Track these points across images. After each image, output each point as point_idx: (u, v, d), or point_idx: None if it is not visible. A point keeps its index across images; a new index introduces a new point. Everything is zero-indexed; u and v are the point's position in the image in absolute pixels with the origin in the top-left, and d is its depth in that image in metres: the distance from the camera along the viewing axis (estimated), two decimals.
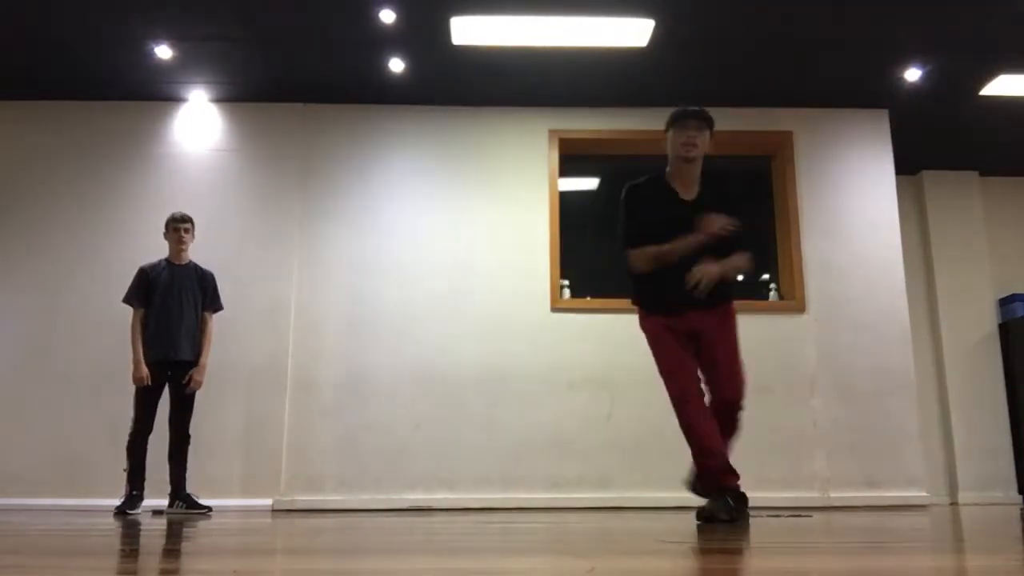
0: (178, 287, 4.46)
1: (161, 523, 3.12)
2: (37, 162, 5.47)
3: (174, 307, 4.42)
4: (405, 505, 4.98)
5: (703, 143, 3.15)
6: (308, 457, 5.09)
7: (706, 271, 3.04)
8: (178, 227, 4.53)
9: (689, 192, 3.20)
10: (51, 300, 5.26)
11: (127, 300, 4.47)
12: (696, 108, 3.15)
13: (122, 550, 1.68)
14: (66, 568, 1.29)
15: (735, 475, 3.11)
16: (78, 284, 5.27)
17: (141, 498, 4.26)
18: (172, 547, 1.80)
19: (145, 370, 4.32)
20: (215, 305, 4.60)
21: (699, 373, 3.18)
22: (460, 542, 1.88)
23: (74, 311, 5.23)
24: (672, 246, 3.06)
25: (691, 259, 3.08)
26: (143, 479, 4.28)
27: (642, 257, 3.15)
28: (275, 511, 4.72)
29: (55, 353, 5.17)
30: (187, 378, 4.38)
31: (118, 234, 5.36)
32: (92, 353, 5.15)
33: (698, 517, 2.96)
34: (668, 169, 3.24)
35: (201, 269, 4.59)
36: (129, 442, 4.28)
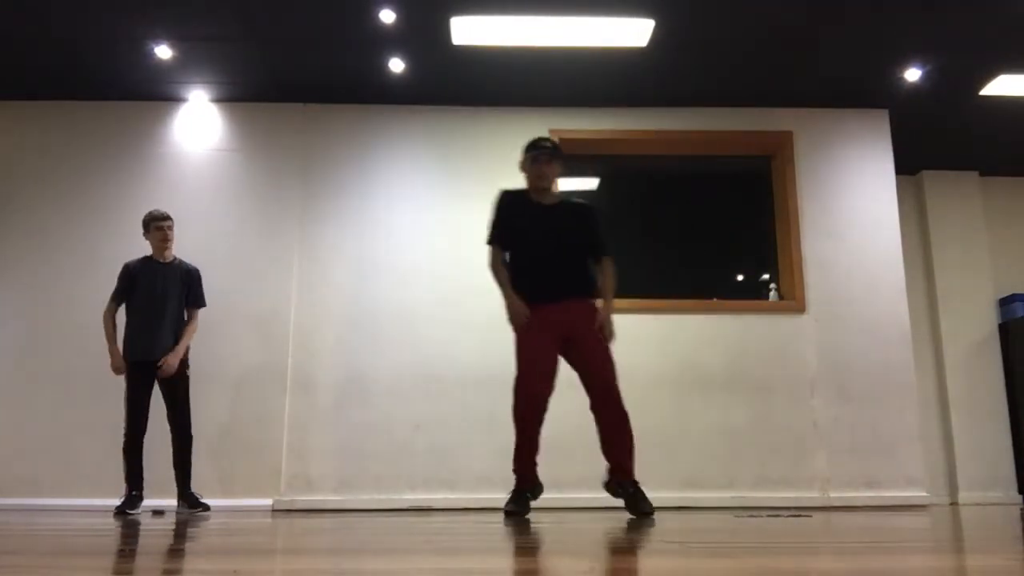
0: (163, 286, 4.44)
1: (160, 523, 3.12)
2: (37, 162, 5.47)
3: (158, 306, 4.40)
4: (405, 505, 4.98)
5: (554, 173, 3.68)
6: (308, 457, 5.09)
7: (610, 327, 3.60)
8: (161, 225, 4.51)
9: (547, 201, 3.71)
10: (51, 300, 5.26)
11: (111, 301, 4.49)
12: (547, 144, 3.66)
13: (122, 550, 1.68)
14: (66, 568, 1.29)
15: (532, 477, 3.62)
16: (78, 284, 5.27)
17: (141, 498, 4.26)
18: (172, 547, 1.80)
19: (120, 361, 4.33)
20: (199, 302, 4.58)
21: (556, 376, 3.57)
22: (460, 542, 1.88)
23: (74, 311, 5.23)
24: (509, 302, 3.57)
25: (557, 258, 3.59)
26: (141, 479, 4.28)
27: (497, 268, 3.65)
28: (275, 511, 4.72)
29: (55, 353, 5.17)
30: (160, 361, 4.36)
31: (118, 234, 5.36)
32: (92, 353, 5.14)
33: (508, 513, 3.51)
34: (528, 188, 3.74)
35: (186, 265, 4.58)
36: (123, 445, 4.29)
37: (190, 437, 4.40)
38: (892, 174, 5.65)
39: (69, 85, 5.39)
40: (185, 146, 5.53)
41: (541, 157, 3.64)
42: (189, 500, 4.33)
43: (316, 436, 5.12)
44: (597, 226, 3.70)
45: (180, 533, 2.37)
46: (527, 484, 3.58)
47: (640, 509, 3.48)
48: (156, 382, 4.40)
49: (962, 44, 4.89)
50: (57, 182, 5.44)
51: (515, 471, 3.57)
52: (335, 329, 5.29)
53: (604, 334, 3.56)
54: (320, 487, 5.04)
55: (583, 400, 5.24)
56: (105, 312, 4.45)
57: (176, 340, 4.43)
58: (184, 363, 4.46)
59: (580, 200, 3.75)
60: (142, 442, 4.30)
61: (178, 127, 5.56)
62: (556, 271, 3.59)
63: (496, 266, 3.64)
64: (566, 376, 5.26)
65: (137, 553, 1.62)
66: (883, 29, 4.77)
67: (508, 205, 3.68)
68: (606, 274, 3.70)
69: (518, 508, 3.52)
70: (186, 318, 4.53)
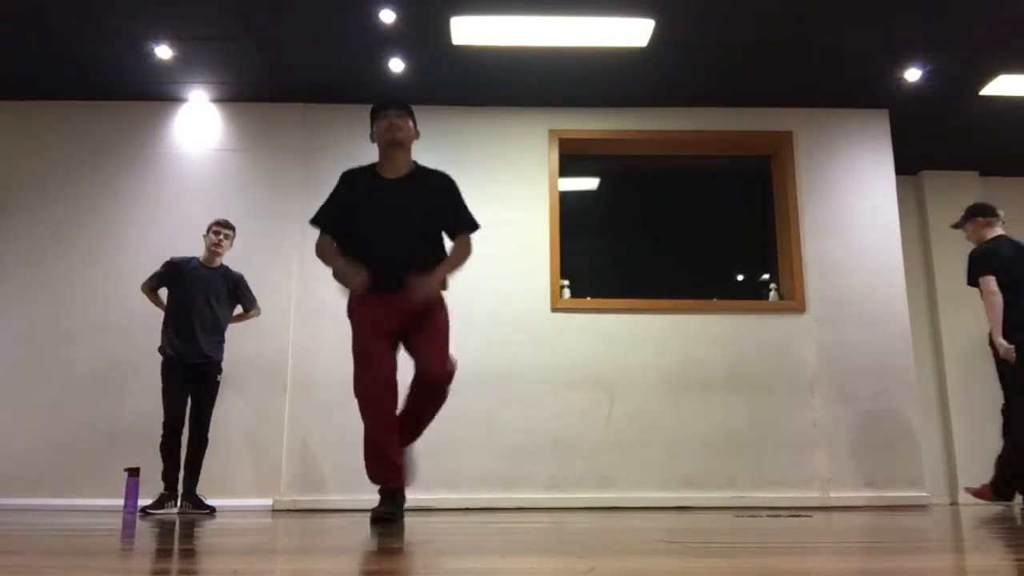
0: (205, 290, 4.50)
1: (161, 523, 3.12)
2: (37, 162, 5.47)
3: (198, 311, 4.47)
4: (405, 505, 4.97)
5: (407, 127, 3.27)
6: (308, 457, 5.09)
7: (425, 288, 3.08)
8: (219, 230, 4.61)
9: (396, 174, 3.28)
10: (51, 300, 5.25)
11: (148, 278, 4.60)
12: (393, 98, 3.31)
13: (122, 550, 1.68)
14: (66, 568, 1.29)
15: (399, 474, 3.17)
16: (78, 284, 5.27)
17: (170, 498, 4.31)
18: (172, 547, 1.80)
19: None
20: (253, 304, 4.73)
21: (398, 363, 3.14)
22: (460, 542, 1.87)
23: (74, 311, 5.23)
24: (340, 269, 3.16)
25: (397, 240, 3.16)
26: (176, 479, 4.35)
27: (322, 250, 3.26)
28: (275, 511, 4.72)
29: (55, 353, 5.17)
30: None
31: (118, 234, 5.36)
32: (92, 353, 5.15)
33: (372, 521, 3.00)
34: (378, 160, 3.34)
35: (231, 274, 4.65)
36: (160, 442, 4.35)
37: (206, 441, 4.45)
38: (892, 174, 5.65)
39: (69, 85, 5.39)
40: (185, 146, 5.53)
41: (391, 110, 3.23)
42: (194, 501, 4.35)
43: (316, 436, 5.12)
44: (457, 198, 3.30)
45: (180, 533, 2.37)
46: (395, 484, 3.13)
47: (380, 511, 3.07)
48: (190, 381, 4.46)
49: (962, 44, 4.89)
50: (57, 182, 5.44)
51: (374, 468, 3.10)
52: (335, 329, 5.28)
53: (416, 292, 3.05)
54: (320, 487, 5.04)
55: (583, 401, 5.26)
56: (141, 285, 4.59)
57: (212, 345, 4.48)
58: (217, 368, 4.54)
59: (435, 170, 3.35)
60: (179, 440, 4.37)
61: (178, 127, 5.56)
62: (396, 256, 3.15)
63: (321, 248, 3.24)
64: (566, 378, 5.27)
65: (137, 553, 1.62)
66: (883, 29, 4.77)
67: (348, 184, 3.30)
68: (458, 247, 3.25)
69: (389, 511, 3.08)
70: (240, 312, 4.71)
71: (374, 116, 3.30)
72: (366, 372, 3.07)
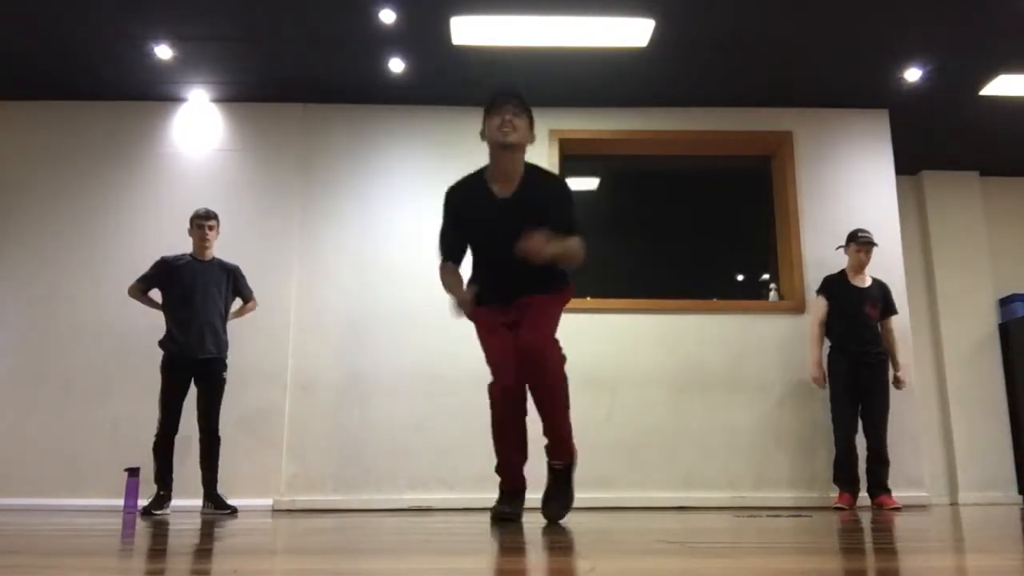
0: (203, 284, 4.46)
1: (159, 523, 3.12)
2: (37, 163, 5.47)
3: (198, 305, 4.43)
4: (405, 505, 4.98)
5: (522, 128, 2.95)
6: (308, 457, 5.09)
7: (534, 248, 2.79)
8: (201, 224, 4.55)
9: (507, 188, 2.99)
10: (52, 300, 5.25)
11: (137, 280, 4.53)
12: (514, 91, 2.98)
13: (122, 550, 1.68)
14: (66, 568, 1.29)
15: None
16: (78, 284, 5.27)
17: (168, 498, 4.29)
18: (172, 547, 1.80)
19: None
20: (250, 295, 4.68)
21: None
22: (460, 542, 1.87)
23: (75, 311, 5.23)
24: (459, 299, 3.01)
25: (513, 270, 2.93)
26: (170, 479, 4.32)
27: (445, 279, 3.10)
28: (275, 511, 4.71)
29: (56, 353, 5.17)
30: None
31: (118, 234, 5.36)
32: (93, 353, 5.15)
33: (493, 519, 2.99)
34: (488, 164, 3.04)
35: (226, 265, 4.61)
36: (153, 443, 4.32)
37: (218, 438, 4.43)
38: (892, 174, 5.65)
39: (69, 85, 5.39)
40: (185, 146, 5.53)
41: (507, 105, 2.91)
42: (216, 501, 4.34)
43: (316, 436, 5.11)
44: (568, 208, 3.06)
45: (180, 533, 2.37)
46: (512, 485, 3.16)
47: (548, 504, 3.10)
48: (193, 381, 4.43)
49: (962, 44, 4.89)
50: (57, 182, 5.44)
51: (504, 477, 3.18)
52: (335, 329, 5.28)
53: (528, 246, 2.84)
54: (320, 487, 5.04)
55: (583, 401, 5.25)
56: (129, 288, 4.52)
57: (215, 341, 4.44)
58: (223, 365, 4.51)
59: (546, 178, 3.08)
60: (173, 441, 4.33)
61: (178, 127, 5.56)
62: (515, 280, 3.01)
63: (444, 277, 3.12)
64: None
65: (137, 553, 1.62)
66: (883, 29, 4.77)
67: (455, 203, 3.08)
68: (570, 241, 3.00)
69: (512, 510, 3.12)
70: (242, 306, 4.68)
71: (489, 106, 2.96)
72: (498, 385, 3.12)
